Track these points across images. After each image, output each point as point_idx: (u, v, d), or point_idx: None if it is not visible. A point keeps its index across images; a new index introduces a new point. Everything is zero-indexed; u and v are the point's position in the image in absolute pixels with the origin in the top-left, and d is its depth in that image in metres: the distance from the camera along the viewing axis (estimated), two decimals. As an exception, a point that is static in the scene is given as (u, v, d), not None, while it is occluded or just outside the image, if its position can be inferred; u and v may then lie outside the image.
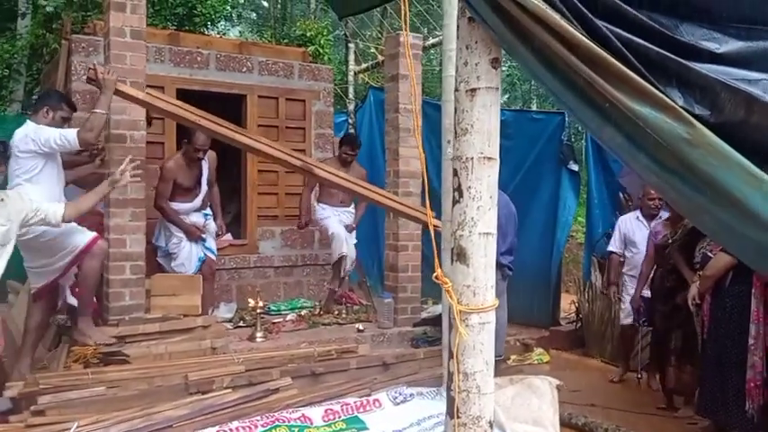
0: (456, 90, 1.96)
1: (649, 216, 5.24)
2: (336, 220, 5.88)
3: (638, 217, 5.34)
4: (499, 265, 4.46)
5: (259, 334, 4.98)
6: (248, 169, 6.26)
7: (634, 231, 5.33)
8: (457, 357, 1.93)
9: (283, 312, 5.75)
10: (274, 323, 5.37)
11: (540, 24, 1.60)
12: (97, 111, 4.04)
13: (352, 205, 6.13)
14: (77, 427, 3.18)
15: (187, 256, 5.21)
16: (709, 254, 3.99)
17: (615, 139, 1.68)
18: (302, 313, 5.73)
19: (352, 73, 8.88)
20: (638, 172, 1.82)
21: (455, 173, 1.95)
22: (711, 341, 3.91)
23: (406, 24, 2.29)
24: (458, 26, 1.95)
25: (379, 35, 11.47)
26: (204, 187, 5.34)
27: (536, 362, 5.83)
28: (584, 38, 1.59)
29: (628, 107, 1.59)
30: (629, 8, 1.67)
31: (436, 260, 2.03)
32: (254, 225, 6.33)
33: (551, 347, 6.21)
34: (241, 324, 5.45)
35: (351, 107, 8.65)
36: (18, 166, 3.92)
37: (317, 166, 4.86)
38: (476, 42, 1.89)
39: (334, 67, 10.28)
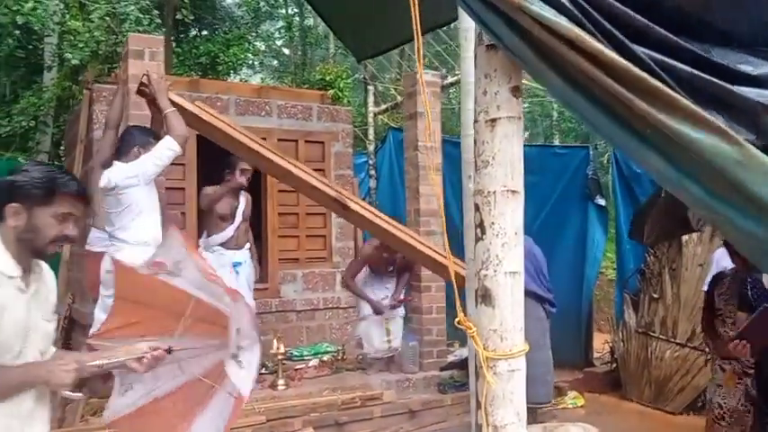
0: (475, 121, 1.86)
1: None
2: (372, 320, 5.35)
3: None
4: (541, 299, 4.27)
5: (281, 381, 4.83)
6: (268, 212, 6.20)
7: None
8: (485, 408, 1.77)
9: (306, 358, 5.61)
10: (296, 369, 5.22)
11: (570, 46, 1.47)
12: (169, 110, 4.00)
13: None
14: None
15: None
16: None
17: (660, 167, 1.52)
18: (325, 359, 5.58)
19: (371, 114, 8.89)
20: (688, 204, 1.66)
21: (476, 208, 1.82)
22: None
23: (420, 60, 2.20)
24: (475, 54, 1.86)
25: (398, 77, 11.53)
26: (239, 218, 5.21)
27: (570, 406, 5.61)
28: (621, 59, 1.45)
29: (676, 132, 1.43)
30: (661, 30, 1.55)
31: (458, 303, 1.89)
32: (276, 268, 6.24)
33: (586, 390, 5.99)
34: (263, 371, 5.31)
35: (371, 148, 8.64)
36: (125, 204, 3.84)
37: (351, 199, 4.69)
38: (495, 70, 1.78)
39: (354, 109, 10.32)
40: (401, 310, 5.50)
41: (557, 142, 15.56)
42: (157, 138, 4.15)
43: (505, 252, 1.77)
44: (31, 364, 1.96)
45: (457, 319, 1.89)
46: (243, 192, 5.29)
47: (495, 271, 1.76)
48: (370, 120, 8.85)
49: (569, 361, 6.48)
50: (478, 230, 1.81)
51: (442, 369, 5.31)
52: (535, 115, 17.83)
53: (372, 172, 8.35)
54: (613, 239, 7.54)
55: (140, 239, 3.83)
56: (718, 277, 3.65)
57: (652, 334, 5.83)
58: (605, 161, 9.39)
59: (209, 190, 5.15)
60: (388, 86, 11.64)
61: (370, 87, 9.23)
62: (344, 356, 5.65)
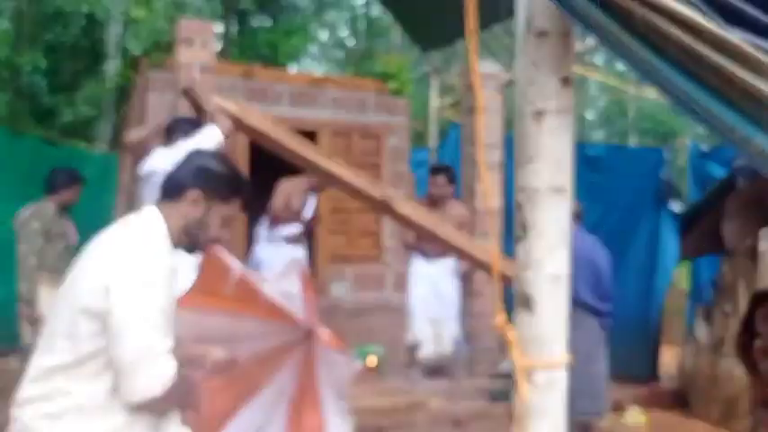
0: (520, 113, 1.68)
1: None
2: (420, 294, 5.36)
3: None
4: (596, 311, 4.07)
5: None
6: (320, 208, 6.09)
7: None
8: (520, 420, 1.62)
9: (352, 359, 5.47)
10: (341, 370, 5.09)
11: (666, 16, 1.30)
12: (212, 107, 3.92)
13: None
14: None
15: None
16: None
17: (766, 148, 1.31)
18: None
19: (434, 109, 8.70)
20: None
21: (518, 206, 1.67)
22: None
23: (474, 52, 2.00)
24: (523, 41, 1.66)
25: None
26: (308, 215, 5.29)
27: (632, 423, 5.26)
28: (721, 30, 1.28)
29: None
30: (757, 12, 1.33)
31: (497, 305, 1.73)
32: (325, 266, 6.13)
33: (649, 406, 5.63)
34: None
35: (433, 143, 8.45)
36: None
37: (398, 200, 4.51)
38: (543, 59, 1.62)
39: (419, 103, 10.14)
40: (454, 311, 5.28)
41: (633, 142, 14.96)
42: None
43: (548, 254, 1.62)
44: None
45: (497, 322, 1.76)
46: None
47: (535, 274, 1.62)
48: (432, 114, 8.66)
49: (634, 375, 6.14)
50: (520, 230, 1.67)
51: (493, 377, 5.09)
52: (611, 114, 17.26)
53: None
54: (688, 248, 7.11)
55: None
56: (762, 296, 3.03)
57: (722, 350, 5.43)
58: (681, 164, 8.90)
59: (287, 184, 5.21)
60: (453, 80, 11.43)
61: (434, 81, 9.04)
62: (392, 360, 5.48)
